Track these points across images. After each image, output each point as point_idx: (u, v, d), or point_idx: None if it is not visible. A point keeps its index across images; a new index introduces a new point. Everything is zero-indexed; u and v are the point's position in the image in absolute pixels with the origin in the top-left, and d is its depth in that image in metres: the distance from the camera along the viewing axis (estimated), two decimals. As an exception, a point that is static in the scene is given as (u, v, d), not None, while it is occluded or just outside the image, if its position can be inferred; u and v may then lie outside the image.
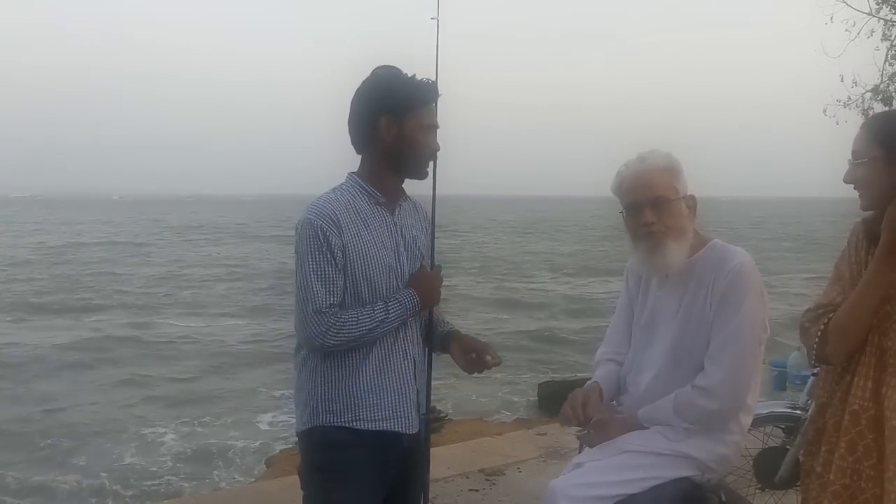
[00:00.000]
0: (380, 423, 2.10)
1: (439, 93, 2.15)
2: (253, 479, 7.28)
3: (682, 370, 2.24)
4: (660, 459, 2.19)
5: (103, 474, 7.58)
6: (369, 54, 2.21)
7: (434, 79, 2.16)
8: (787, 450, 3.05)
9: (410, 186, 2.25)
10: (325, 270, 2.04)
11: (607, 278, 24.24)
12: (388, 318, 2.06)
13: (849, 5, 9.37)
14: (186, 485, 7.40)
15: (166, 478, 7.52)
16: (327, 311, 2.03)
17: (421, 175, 2.18)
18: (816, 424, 1.99)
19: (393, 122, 2.09)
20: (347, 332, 2.02)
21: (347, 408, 2.08)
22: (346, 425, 2.08)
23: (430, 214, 2.34)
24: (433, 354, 2.28)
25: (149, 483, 7.41)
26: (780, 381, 4.98)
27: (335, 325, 2.02)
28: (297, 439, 2.24)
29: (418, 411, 2.19)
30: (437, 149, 2.16)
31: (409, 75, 2.12)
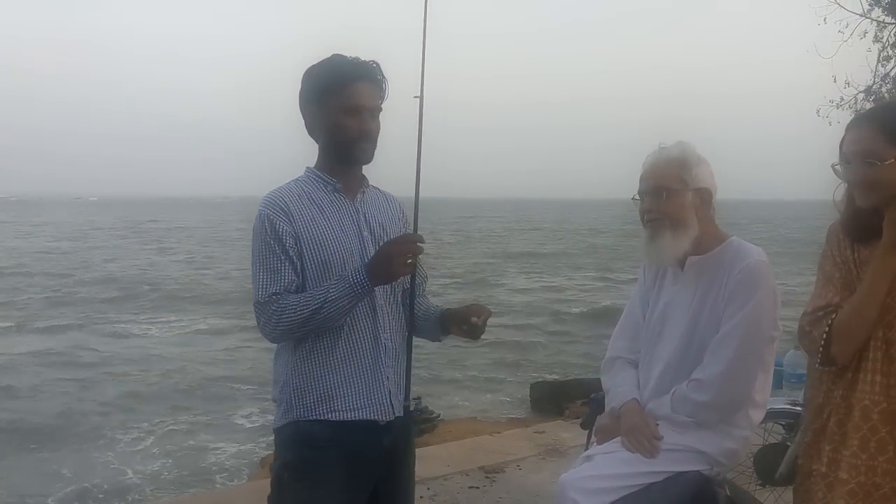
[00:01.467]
0: (354, 413, 2.03)
1: (380, 74, 2.06)
2: (244, 480, 7.23)
3: (691, 365, 2.26)
4: (669, 453, 2.21)
5: (105, 488, 7.42)
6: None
7: (422, 63, 2.05)
8: (788, 446, 3.07)
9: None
10: (269, 259, 1.99)
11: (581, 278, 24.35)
12: (329, 296, 1.94)
13: (842, 6, 9.47)
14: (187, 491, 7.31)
15: (156, 491, 7.39)
16: (269, 301, 1.97)
17: (361, 158, 2.09)
18: (815, 426, 1.97)
19: (319, 108, 2.05)
20: (290, 318, 1.95)
21: (321, 400, 2.02)
22: (321, 418, 2.01)
23: (403, 204, 2.26)
24: (421, 340, 2.19)
25: (137, 496, 7.28)
26: (777, 380, 5.00)
27: (276, 311, 1.96)
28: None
29: (392, 399, 2.08)
30: (368, 129, 2.05)
31: (346, 57, 2.05)
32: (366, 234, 2.09)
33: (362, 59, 2.06)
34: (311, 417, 2.02)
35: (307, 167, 2.16)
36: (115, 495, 7.20)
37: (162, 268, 28.58)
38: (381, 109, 2.09)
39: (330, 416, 2.01)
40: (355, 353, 2.04)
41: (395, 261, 1.96)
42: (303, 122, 2.14)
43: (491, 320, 2.10)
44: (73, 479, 7.59)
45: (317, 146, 2.15)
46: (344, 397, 2.02)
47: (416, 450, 2.24)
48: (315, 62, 2.08)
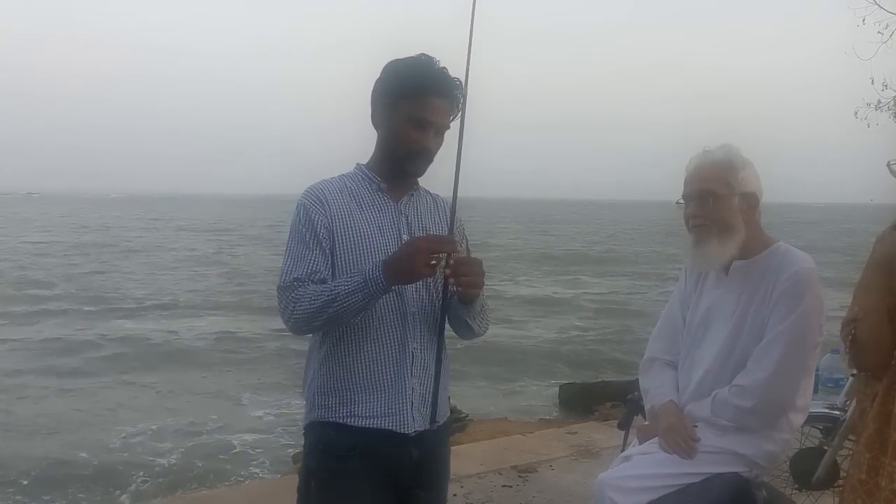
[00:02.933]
0: (374, 421, 1.95)
1: (459, 92, 1.96)
2: (278, 475, 7.26)
3: (733, 370, 2.27)
4: (707, 455, 2.22)
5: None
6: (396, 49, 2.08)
7: (465, 75, 1.94)
8: (825, 450, 3.06)
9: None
10: (297, 247, 1.96)
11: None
12: (341, 290, 1.86)
13: (881, 7, 9.32)
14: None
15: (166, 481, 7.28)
16: (290, 286, 1.92)
17: (412, 173, 2.03)
18: (858, 430, 1.97)
19: (391, 109, 1.98)
20: (304, 307, 1.89)
21: (342, 402, 1.97)
22: (340, 421, 1.96)
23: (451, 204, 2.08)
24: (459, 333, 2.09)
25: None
26: (813, 384, 4.96)
27: (294, 298, 1.90)
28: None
29: (414, 411, 1.99)
30: (428, 147, 1.98)
31: (433, 65, 1.97)
32: (405, 237, 2.01)
33: (448, 71, 1.97)
34: (331, 419, 1.98)
35: (357, 164, 2.11)
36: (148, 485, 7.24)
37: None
38: (448, 128, 2.00)
39: (350, 420, 1.96)
40: (380, 359, 1.98)
41: (417, 259, 1.82)
42: (370, 110, 2.06)
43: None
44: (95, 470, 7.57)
45: (373, 139, 2.09)
46: (365, 403, 1.96)
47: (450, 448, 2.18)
48: (401, 57, 1.99)
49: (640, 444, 2.39)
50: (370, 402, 1.96)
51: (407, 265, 1.83)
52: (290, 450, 7.81)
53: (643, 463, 2.26)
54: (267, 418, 9.34)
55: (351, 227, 1.98)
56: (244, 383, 11.14)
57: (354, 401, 1.96)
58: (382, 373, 1.97)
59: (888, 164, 1.96)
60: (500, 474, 4.43)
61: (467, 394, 10.31)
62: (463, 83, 1.96)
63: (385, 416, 1.96)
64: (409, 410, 1.98)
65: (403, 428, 1.97)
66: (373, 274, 1.86)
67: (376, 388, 1.97)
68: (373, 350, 1.97)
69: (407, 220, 2.05)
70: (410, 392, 1.98)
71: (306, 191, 2.03)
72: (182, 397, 10.55)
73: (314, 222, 1.96)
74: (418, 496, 2.03)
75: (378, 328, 1.98)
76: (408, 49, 2.02)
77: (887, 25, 9.58)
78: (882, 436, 1.87)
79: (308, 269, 1.94)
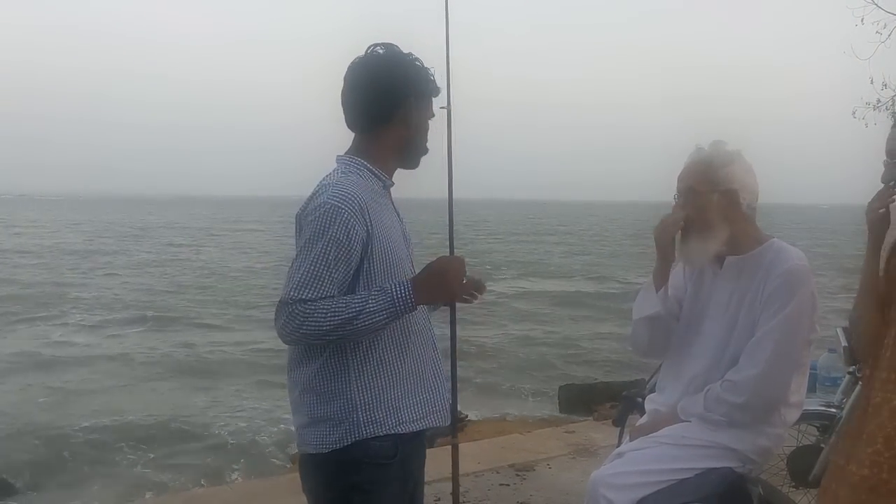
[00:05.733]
0: (418, 423, 1.95)
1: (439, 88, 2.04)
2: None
3: (726, 365, 2.27)
4: (700, 450, 2.23)
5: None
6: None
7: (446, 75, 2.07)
8: (822, 448, 3.06)
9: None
10: (319, 265, 1.80)
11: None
12: (366, 308, 1.78)
13: (879, 7, 9.33)
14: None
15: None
16: (297, 301, 1.79)
17: (414, 164, 2.03)
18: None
19: (418, 104, 1.96)
20: (318, 322, 1.77)
21: (389, 413, 1.90)
22: (391, 432, 1.90)
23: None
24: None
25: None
26: (810, 383, 4.95)
27: (303, 312, 1.77)
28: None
29: (451, 404, 2.05)
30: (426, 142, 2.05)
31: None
32: (407, 235, 2.03)
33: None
34: (381, 433, 1.90)
35: (349, 155, 1.99)
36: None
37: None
38: None
39: (399, 428, 1.92)
40: (422, 362, 1.98)
41: (454, 278, 1.90)
42: (385, 103, 1.95)
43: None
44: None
45: (356, 134, 2.01)
46: (410, 408, 1.94)
47: (447, 447, 2.25)
48: (398, 53, 1.96)
49: (632, 441, 2.39)
50: (417, 406, 1.95)
51: (446, 287, 1.90)
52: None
53: (636, 459, 2.26)
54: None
55: (385, 234, 1.91)
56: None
57: (400, 408, 1.93)
58: (425, 375, 1.98)
59: (884, 162, 1.98)
60: (498, 473, 4.42)
61: (467, 394, 10.31)
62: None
63: (431, 415, 1.98)
64: (447, 404, 2.04)
65: (444, 422, 2.02)
66: (400, 293, 1.81)
67: (419, 391, 1.96)
68: (414, 355, 1.96)
69: (399, 216, 2.03)
70: (446, 386, 2.05)
71: (342, 195, 1.85)
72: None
73: (352, 236, 1.82)
74: (421, 485, 2.09)
75: (418, 332, 1.98)
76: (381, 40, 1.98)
77: (885, 25, 9.60)
78: (861, 423, 1.90)
79: (321, 293, 1.80)
